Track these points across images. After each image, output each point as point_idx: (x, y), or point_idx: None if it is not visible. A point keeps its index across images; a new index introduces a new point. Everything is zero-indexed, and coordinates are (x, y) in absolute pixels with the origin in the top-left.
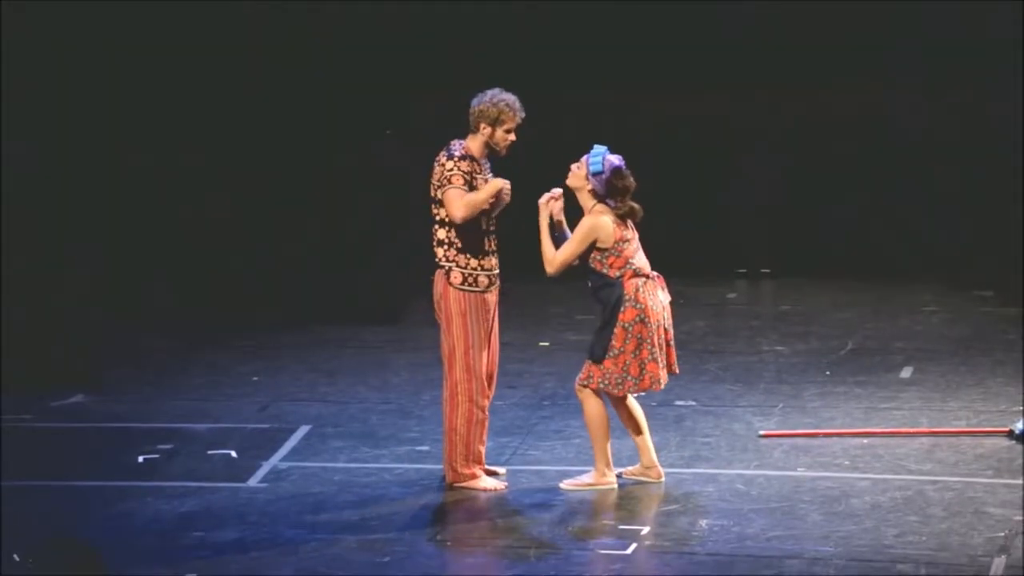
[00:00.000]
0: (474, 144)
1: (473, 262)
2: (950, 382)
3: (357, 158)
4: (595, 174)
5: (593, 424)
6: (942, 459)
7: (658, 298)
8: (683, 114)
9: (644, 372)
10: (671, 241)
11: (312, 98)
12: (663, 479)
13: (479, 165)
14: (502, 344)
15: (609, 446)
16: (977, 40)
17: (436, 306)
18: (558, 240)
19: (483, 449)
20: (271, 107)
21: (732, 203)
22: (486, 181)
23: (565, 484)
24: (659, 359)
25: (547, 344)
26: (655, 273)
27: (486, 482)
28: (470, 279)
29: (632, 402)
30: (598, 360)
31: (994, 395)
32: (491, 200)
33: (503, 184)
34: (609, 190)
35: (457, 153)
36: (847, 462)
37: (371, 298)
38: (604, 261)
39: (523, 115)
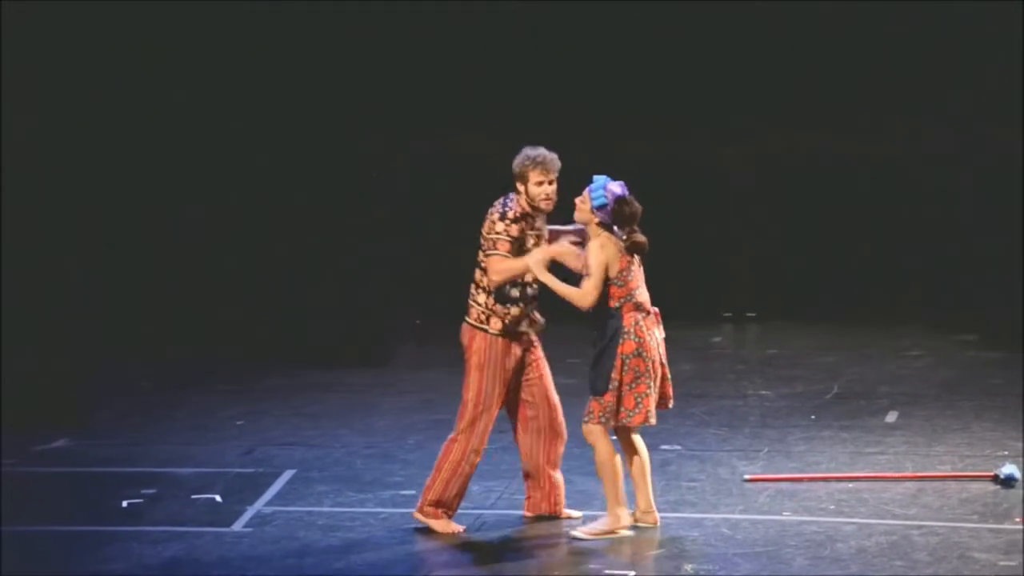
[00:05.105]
0: (521, 201)
1: (515, 310)
2: (935, 426)
3: (349, 199)
4: (599, 208)
5: (605, 467)
6: (927, 504)
7: (655, 334)
8: (669, 156)
9: (639, 406)
10: (656, 284)
11: (311, 139)
12: (658, 524)
13: (530, 221)
14: None
15: (623, 488)
16: (963, 83)
17: (464, 352)
18: (568, 276)
19: (458, 502)
20: (270, 146)
21: (718, 247)
22: (537, 236)
23: (580, 532)
24: (653, 395)
25: None
26: (654, 309)
27: (448, 526)
28: (512, 325)
29: (639, 443)
30: (600, 393)
31: (979, 439)
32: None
33: (537, 261)
34: (616, 219)
35: (510, 214)
36: (832, 507)
37: (356, 341)
38: (606, 291)
39: (553, 166)
